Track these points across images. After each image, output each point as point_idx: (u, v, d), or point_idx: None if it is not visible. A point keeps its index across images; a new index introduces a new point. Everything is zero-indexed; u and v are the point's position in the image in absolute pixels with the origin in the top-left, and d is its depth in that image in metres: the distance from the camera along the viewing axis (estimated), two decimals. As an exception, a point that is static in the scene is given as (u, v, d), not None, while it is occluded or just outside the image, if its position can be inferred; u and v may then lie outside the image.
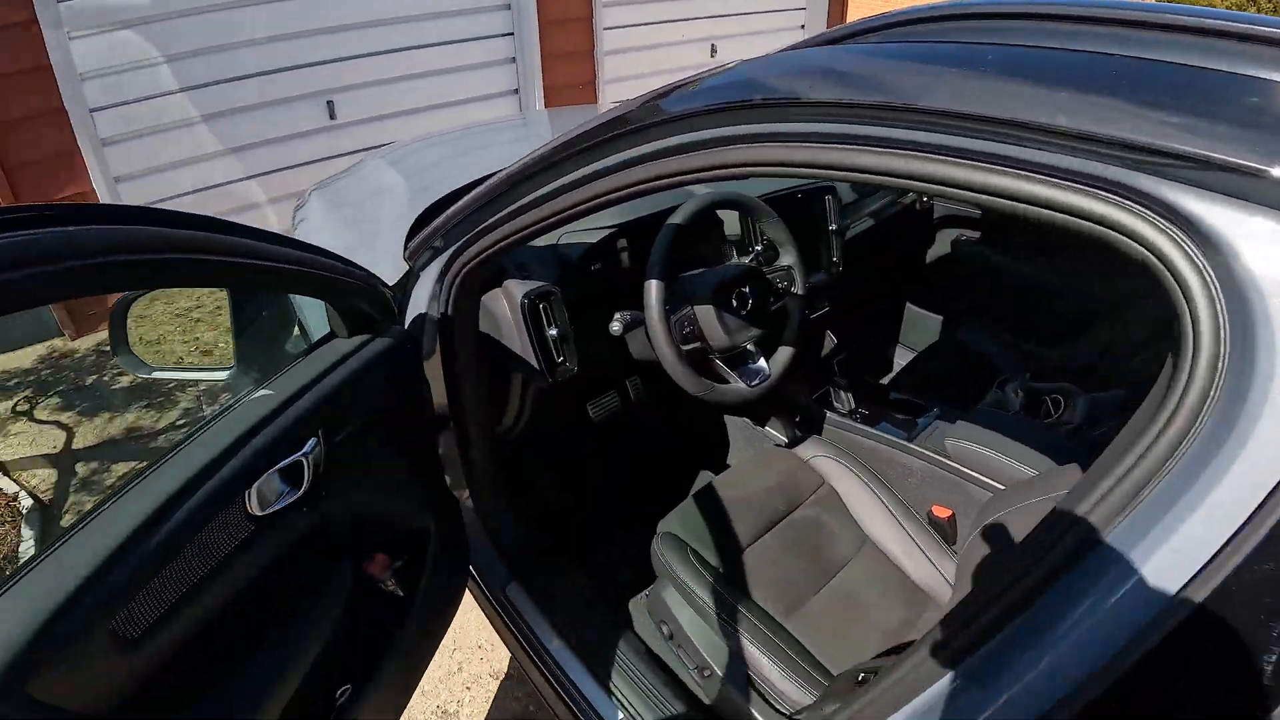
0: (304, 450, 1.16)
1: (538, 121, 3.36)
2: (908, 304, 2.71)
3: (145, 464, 1.04)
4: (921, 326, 2.67)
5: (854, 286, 2.17)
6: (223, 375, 1.73)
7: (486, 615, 1.82)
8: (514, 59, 5.25)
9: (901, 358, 2.70)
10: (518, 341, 1.50)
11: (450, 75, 5.03)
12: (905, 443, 1.88)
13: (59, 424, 3.39)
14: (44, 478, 3.10)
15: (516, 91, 5.37)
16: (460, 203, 1.38)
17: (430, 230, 1.48)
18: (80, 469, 3.14)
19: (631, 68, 5.85)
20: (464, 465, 1.65)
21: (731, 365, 1.65)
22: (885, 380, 2.42)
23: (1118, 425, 1.75)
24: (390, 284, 1.56)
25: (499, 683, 2.28)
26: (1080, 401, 2.01)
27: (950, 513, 1.82)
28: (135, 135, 3.99)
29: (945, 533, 1.80)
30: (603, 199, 1.06)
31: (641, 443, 2.48)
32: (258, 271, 1.06)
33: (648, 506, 2.27)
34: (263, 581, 1.16)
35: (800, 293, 1.72)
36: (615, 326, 1.51)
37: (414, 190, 2.11)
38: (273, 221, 4.61)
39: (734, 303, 1.59)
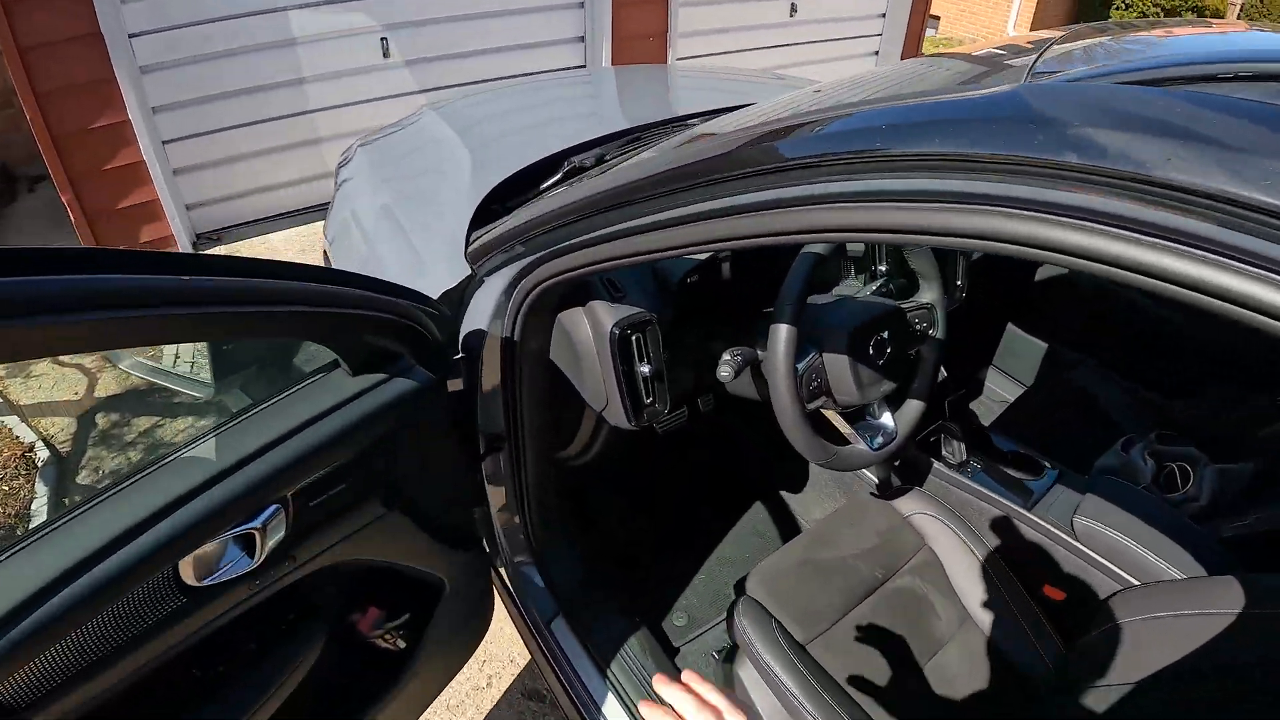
0: (258, 521, 0.94)
1: (605, 80, 3.07)
2: (1009, 325, 2.43)
3: (57, 513, 0.86)
4: (1024, 353, 2.39)
5: (973, 313, 1.89)
6: (199, 393, 1.36)
7: (530, 651, 1.66)
8: (582, 3, 4.90)
9: (998, 385, 2.43)
10: (600, 375, 1.26)
11: (512, 17, 4.71)
12: (1024, 511, 1.63)
13: (81, 368, 3.22)
14: (63, 427, 2.94)
15: (582, 39, 5.04)
16: (547, 206, 1.14)
17: (505, 233, 1.24)
18: (101, 420, 2.98)
19: (706, 21, 5.46)
20: (517, 493, 1.45)
21: (850, 419, 1.39)
22: (989, 421, 2.15)
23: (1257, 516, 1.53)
24: (446, 287, 1.33)
25: (531, 703, 2.10)
26: (1207, 473, 1.77)
27: (1063, 596, 1.60)
28: (176, 64, 3.75)
29: (1055, 617, 1.58)
30: (748, 240, 0.81)
31: (709, 459, 2.26)
32: (216, 321, 0.81)
33: (712, 526, 2.09)
34: (199, 651, 1.00)
35: (941, 336, 1.44)
36: (724, 373, 1.23)
37: (476, 157, 1.86)
38: (324, 161, 4.37)
39: (871, 351, 1.30)
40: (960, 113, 0.61)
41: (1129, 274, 0.50)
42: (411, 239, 1.58)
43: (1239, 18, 17.98)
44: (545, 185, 1.62)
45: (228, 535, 0.92)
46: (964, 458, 1.74)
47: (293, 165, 4.36)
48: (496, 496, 1.46)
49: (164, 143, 3.86)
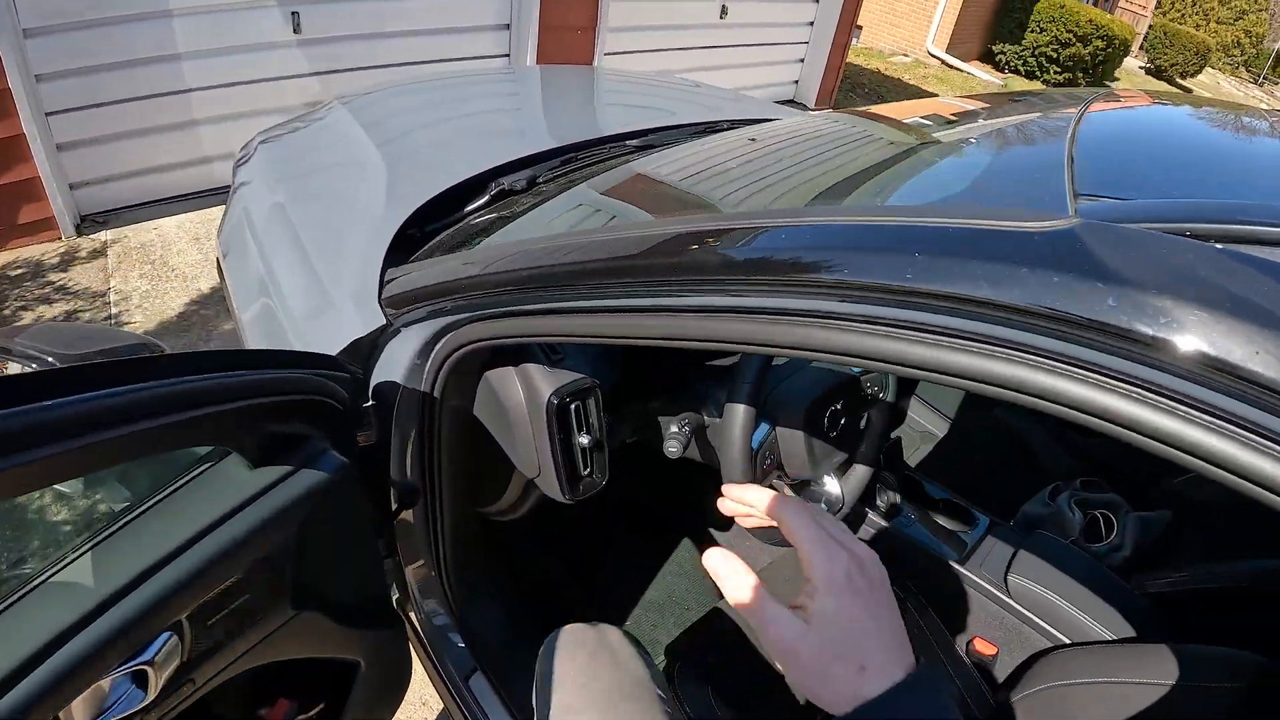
0: (149, 654, 0.80)
1: (531, 82, 2.92)
2: None
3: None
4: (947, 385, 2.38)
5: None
6: (66, 487, 1.11)
7: (445, 705, 1.54)
8: (510, -10, 4.73)
9: (921, 415, 2.41)
10: (532, 444, 1.13)
11: (435, -1, 4.51)
12: (959, 567, 1.60)
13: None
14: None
15: (508, 27, 4.85)
16: (479, 266, 1.02)
17: (429, 287, 1.11)
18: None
19: (636, 17, 5.35)
20: (432, 550, 1.33)
21: (796, 488, 1.31)
22: (915, 461, 2.12)
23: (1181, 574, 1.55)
24: (354, 329, 1.20)
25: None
26: (1129, 522, 1.79)
27: (995, 650, 1.58)
28: (65, 28, 3.41)
29: (985, 670, 1.56)
30: (739, 345, 0.72)
31: (632, 494, 2.17)
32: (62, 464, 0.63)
33: (639, 567, 2.01)
34: None
35: (891, 400, 1.38)
36: (672, 449, 1.13)
37: (391, 169, 1.71)
38: (225, 141, 4.08)
39: (825, 424, 1.22)
40: (1015, 254, 0.54)
41: (1217, 470, 0.45)
42: (317, 268, 1.42)
43: (1141, 49, 18.85)
44: (471, 208, 1.50)
45: (115, 673, 0.77)
46: (895, 503, 1.70)
47: (191, 144, 4.04)
48: (410, 551, 1.34)
49: (48, 114, 3.51)
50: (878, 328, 0.59)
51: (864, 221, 0.66)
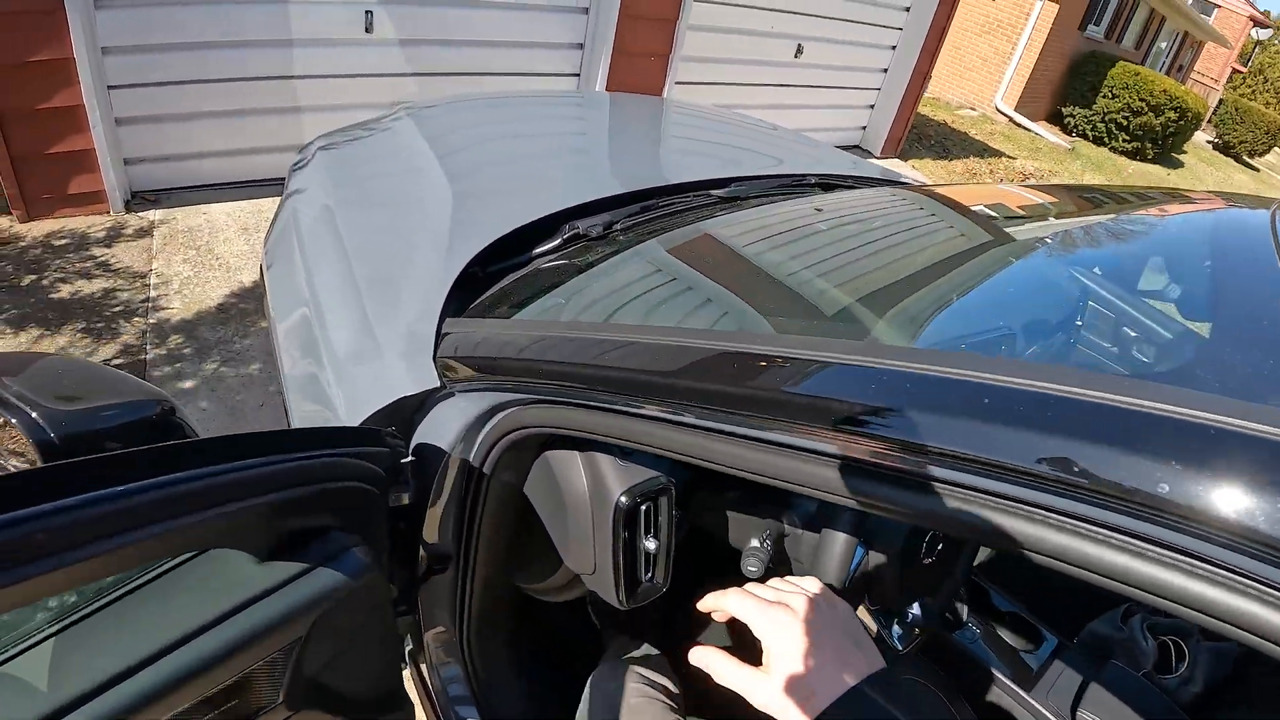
0: None
1: (600, 110, 2.80)
2: None
3: None
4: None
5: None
6: None
7: None
8: (587, 9, 4.65)
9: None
10: (591, 542, 0.98)
11: (512, 11, 4.44)
12: (1025, 695, 1.45)
13: (-24, 328, 2.85)
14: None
15: (581, 46, 4.78)
16: (541, 344, 0.91)
17: (492, 360, 0.99)
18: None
19: (711, 49, 5.28)
20: (456, 624, 1.22)
21: (875, 614, 1.17)
22: (975, 560, 1.97)
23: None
24: (400, 379, 1.08)
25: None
26: (1201, 653, 1.63)
27: (1057, 792, 1.43)
28: (135, 3, 3.39)
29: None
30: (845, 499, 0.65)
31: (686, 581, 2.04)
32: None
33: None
34: None
35: None
36: (753, 568, 0.98)
37: (457, 193, 1.59)
38: (284, 132, 4.03)
39: (922, 551, 1.08)
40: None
41: None
42: (366, 302, 1.29)
43: (1209, 123, 18.55)
44: (540, 250, 1.39)
45: None
46: (964, 619, 1.56)
47: (249, 132, 3.99)
48: (432, 613, 1.22)
49: (109, 88, 3.48)
50: (1126, 540, 0.47)
51: (1095, 399, 0.52)
